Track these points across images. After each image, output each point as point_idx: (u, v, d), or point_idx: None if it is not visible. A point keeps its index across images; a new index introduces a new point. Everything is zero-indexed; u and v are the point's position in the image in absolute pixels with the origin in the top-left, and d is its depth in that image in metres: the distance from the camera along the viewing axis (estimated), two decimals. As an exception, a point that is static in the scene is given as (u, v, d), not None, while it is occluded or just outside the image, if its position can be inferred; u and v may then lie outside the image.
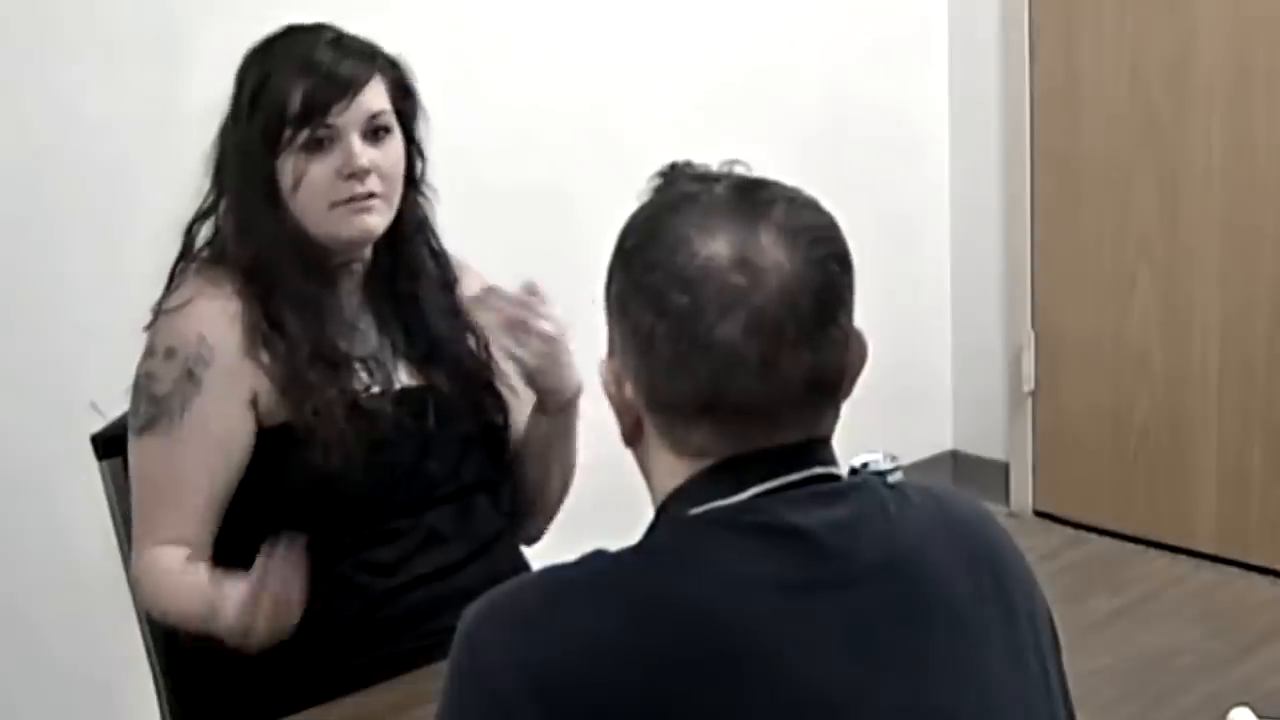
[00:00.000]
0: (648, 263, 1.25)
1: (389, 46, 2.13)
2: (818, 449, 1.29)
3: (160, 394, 2.03)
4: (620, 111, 3.59)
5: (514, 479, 2.25)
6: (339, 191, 2.03)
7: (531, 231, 3.43)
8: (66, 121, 2.87)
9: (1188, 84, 3.84)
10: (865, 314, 1.30)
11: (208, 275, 2.07)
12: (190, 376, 2.01)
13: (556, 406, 2.14)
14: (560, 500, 2.29)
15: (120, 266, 2.86)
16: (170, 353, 2.03)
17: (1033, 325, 4.22)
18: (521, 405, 2.22)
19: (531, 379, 2.10)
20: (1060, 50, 4.05)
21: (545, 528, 2.30)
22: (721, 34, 3.79)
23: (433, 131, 2.20)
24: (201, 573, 2.00)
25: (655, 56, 3.68)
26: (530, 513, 2.28)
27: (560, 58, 3.52)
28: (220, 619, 1.91)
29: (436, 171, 2.19)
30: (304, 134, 2.02)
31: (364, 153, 2.03)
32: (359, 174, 2.03)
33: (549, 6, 3.51)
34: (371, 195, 2.05)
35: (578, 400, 2.13)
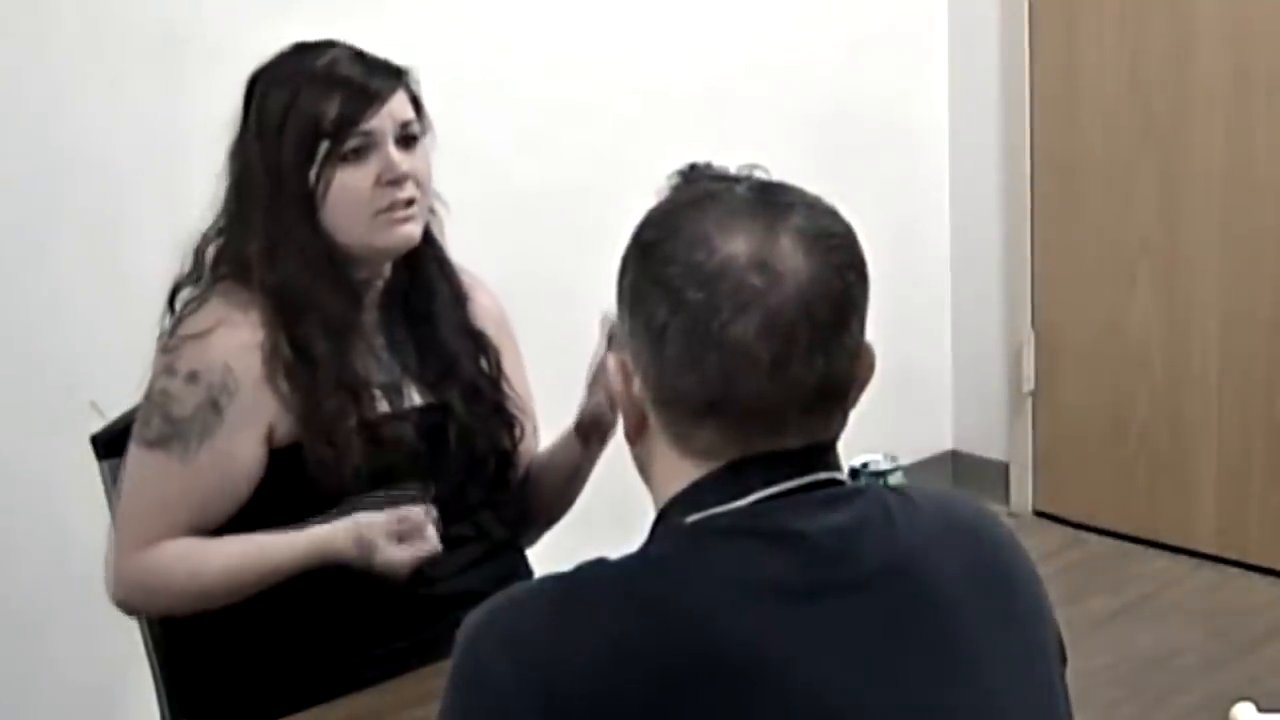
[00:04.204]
0: (665, 257, 1.25)
1: (394, 45, 2.13)
2: (822, 454, 1.29)
3: (178, 415, 2.00)
4: (617, 109, 3.59)
5: (527, 492, 2.26)
6: (380, 199, 2.03)
7: (530, 231, 3.44)
8: (66, 123, 2.87)
9: (1187, 84, 3.84)
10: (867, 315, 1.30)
11: (233, 299, 2.04)
12: (214, 406, 2.00)
13: (598, 440, 2.16)
14: (564, 514, 2.30)
15: (120, 267, 2.87)
16: (193, 377, 2.00)
17: (1033, 325, 4.22)
18: (531, 426, 2.23)
19: (585, 421, 2.14)
20: (1060, 50, 4.05)
21: (542, 536, 2.32)
22: (723, 36, 3.79)
23: (441, 131, 2.20)
24: (244, 536, 2.02)
25: (655, 55, 3.68)
26: (536, 522, 2.29)
27: (560, 55, 3.52)
28: (291, 546, 1.98)
29: (446, 171, 2.19)
30: (341, 144, 2.01)
31: (402, 159, 2.03)
32: (399, 180, 2.03)
33: (553, 5, 3.51)
34: (410, 203, 2.04)
35: (613, 430, 2.14)
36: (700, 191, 1.29)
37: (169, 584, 2.04)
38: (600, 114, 3.57)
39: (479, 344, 2.20)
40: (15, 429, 2.84)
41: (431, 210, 2.14)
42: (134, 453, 2.06)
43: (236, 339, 2.01)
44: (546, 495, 2.27)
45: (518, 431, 2.21)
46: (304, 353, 2.02)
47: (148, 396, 2.04)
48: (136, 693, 2.26)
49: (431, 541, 1.98)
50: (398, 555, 1.97)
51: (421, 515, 1.98)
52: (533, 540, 2.30)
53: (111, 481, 2.18)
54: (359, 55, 2.07)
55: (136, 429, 2.05)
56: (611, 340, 2.02)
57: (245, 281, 2.04)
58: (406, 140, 2.06)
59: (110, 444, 2.18)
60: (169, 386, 2.02)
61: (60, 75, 2.85)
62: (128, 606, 2.11)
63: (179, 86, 2.91)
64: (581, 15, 3.56)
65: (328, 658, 2.03)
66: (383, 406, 2.08)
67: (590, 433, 2.15)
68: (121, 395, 2.12)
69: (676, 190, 1.31)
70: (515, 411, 2.21)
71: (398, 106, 2.05)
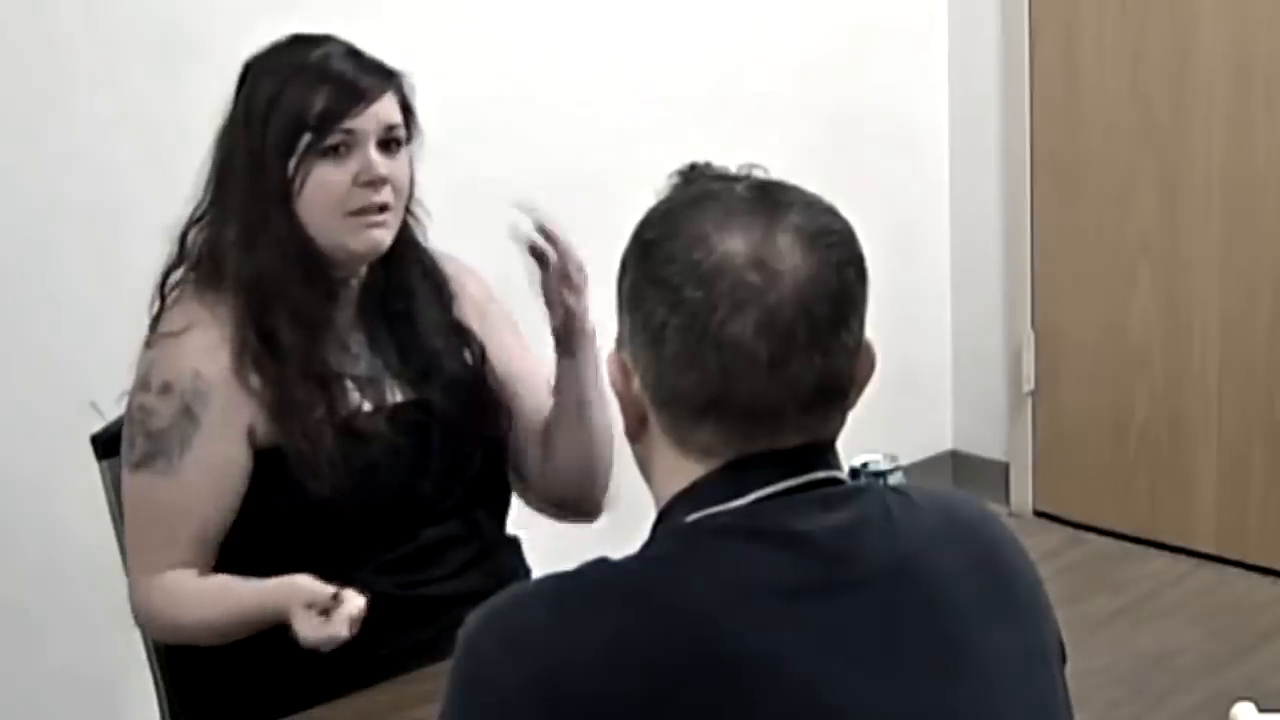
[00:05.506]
0: (664, 256, 1.25)
1: (393, 45, 2.13)
2: (821, 453, 1.29)
3: (157, 429, 2.01)
4: (618, 109, 3.59)
5: (556, 443, 2.19)
6: (354, 200, 2.03)
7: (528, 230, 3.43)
8: (66, 122, 2.87)
9: (1187, 83, 3.84)
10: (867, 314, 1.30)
11: (204, 301, 2.05)
12: (188, 413, 2.00)
13: (581, 342, 2.11)
14: (610, 462, 2.17)
15: (120, 267, 2.86)
16: (165, 388, 2.02)
17: (1033, 325, 4.22)
18: (526, 417, 2.21)
19: (558, 331, 2.12)
20: (1060, 50, 4.05)
21: (603, 498, 2.22)
22: (722, 36, 3.79)
23: (440, 131, 2.20)
24: (222, 579, 2.02)
25: (655, 55, 3.68)
26: (586, 489, 2.21)
27: (560, 55, 3.52)
28: (252, 618, 1.94)
29: (445, 171, 2.18)
30: (322, 138, 2.01)
31: (381, 162, 2.03)
32: (376, 182, 2.02)
33: (553, 6, 3.51)
34: (384, 208, 2.04)
35: (594, 332, 2.10)
36: (700, 190, 1.29)
37: (168, 612, 2.05)
38: (600, 114, 3.57)
39: (464, 340, 2.19)
40: (15, 429, 2.84)
41: (413, 215, 2.14)
42: (125, 480, 2.06)
43: (206, 340, 2.02)
44: (576, 441, 2.18)
45: (504, 423, 2.19)
46: (271, 342, 2.02)
47: (128, 416, 2.05)
48: (136, 693, 2.26)
49: (340, 630, 1.86)
50: (306, 629, 1.88)
51: (344, 598, 1.87)
52: (597, 502, 2.21)
53: (111, 481, 2.18)
54: (353, 53, 2.07)
55: (124, 454, 2.06)
56: (536, 254, 2.05)
57: (217, 277, 2.05)
58: (389, 144, 2.05)
59: (110, 444, 2.18)
60: (145, 402, 2.03)
61: (60, 73, 2.85)
62: (147, 631, 2.13)
63: (180, 85, 2.91)
64: (582, 16, 3.55)
65: (328, 658, 2.03)
66: (357, 400, 2.07)
67: (570, 338, 2.11)
68: (121, 395, 2.12)
69: (676, 189, 1.32)
70: (507, 401, 2.19)
71: (384, 108, 2.05)
